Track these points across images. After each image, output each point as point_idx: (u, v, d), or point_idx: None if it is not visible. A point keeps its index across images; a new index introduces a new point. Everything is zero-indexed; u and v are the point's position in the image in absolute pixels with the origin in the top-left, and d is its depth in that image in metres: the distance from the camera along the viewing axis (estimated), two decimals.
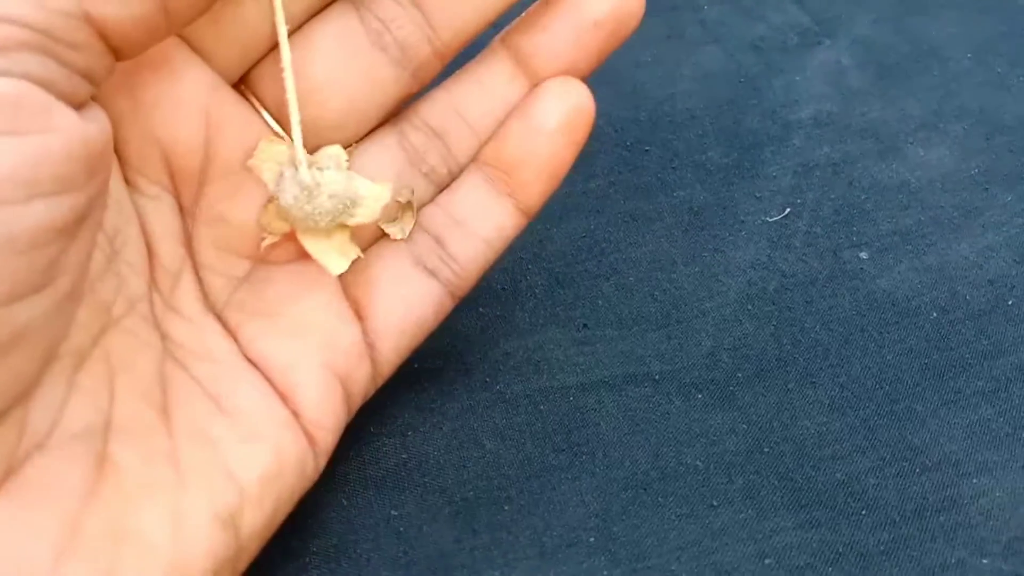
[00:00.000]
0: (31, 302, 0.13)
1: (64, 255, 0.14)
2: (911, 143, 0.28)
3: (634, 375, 0.21)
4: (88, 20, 0.13)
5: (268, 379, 0.17)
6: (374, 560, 0.18)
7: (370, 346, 0.18)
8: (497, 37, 0.19)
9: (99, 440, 0.15)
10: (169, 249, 0.17)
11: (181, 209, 0.17)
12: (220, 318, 0.17)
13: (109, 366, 0.15)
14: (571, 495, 0.19)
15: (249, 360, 0.17)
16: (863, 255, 0.25)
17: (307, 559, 0.18)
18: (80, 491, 0.14)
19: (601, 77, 0.27)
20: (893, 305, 0.23)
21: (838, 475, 0.20)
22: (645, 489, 0.19)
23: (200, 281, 0.17)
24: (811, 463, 0.20)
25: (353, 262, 0.18)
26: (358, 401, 0.18)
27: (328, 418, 0.17)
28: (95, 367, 0.15)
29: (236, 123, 0.17)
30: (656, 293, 0.24)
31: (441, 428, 0.20)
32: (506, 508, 0.19)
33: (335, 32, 0.17)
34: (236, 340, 0.17)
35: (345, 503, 0.19)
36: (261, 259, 0.18)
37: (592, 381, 0.21)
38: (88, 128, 0.14)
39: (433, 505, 0.19)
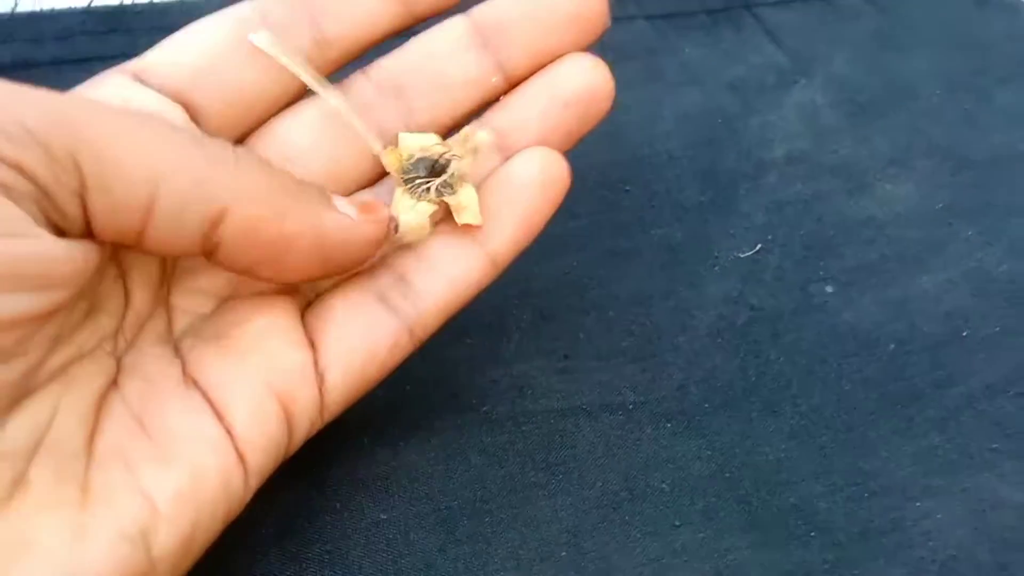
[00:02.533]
0: None
1: (39, 332, 0.15)
2: (879, 179, 0.29)
3: (610, 404, 0.23)
4: (80, 198, 0.15)
5: (206, 398, 0.17)
6: (365, 566, 0.20)
7: (320, 373, 0.18)
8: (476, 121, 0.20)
9: (22, 461, 0.15)
10: (144, 296, 0.18)
11: (163, 260, 0.18)
12: (176, 346, 0.18)
13: (61, 388, 0.16)
14: (547, 511, 0.21)
15: (191, 380, 0.18)
16: (829, 289, 0.27)
17: (304, 563, 0.20)
18: None
19: None
20: (854, 337, 0.25)
21: (791, 499, 0.21)
22: (615, 508, 0.21)
23: (168, 319, 0.18)
24: (767, 488, 0.22)
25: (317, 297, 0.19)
26: (302, 426, 0.18)
27: (260, 437, 0.17)
28: (49, 389, 0.16)
29: None
30: (634, 327, 0.25)
31: (429, 441, 0.22)
32: (487, 520, 0.21)
33: (319, 109, 0.19)
34: (184, 363, 0.18)
35: (338, 507, 0.21)
36: (228, 296, 0.19)
37: (571, 407, 0.23)
38: (72, 249, 0.15)
39: (420, 512, 0.21)
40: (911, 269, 0.27)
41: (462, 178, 0.19)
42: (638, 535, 0.21)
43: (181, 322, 0.19)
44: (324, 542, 0.20)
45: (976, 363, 0.24)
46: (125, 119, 0.15)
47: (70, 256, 0.15)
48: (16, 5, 0.31)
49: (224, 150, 0.16)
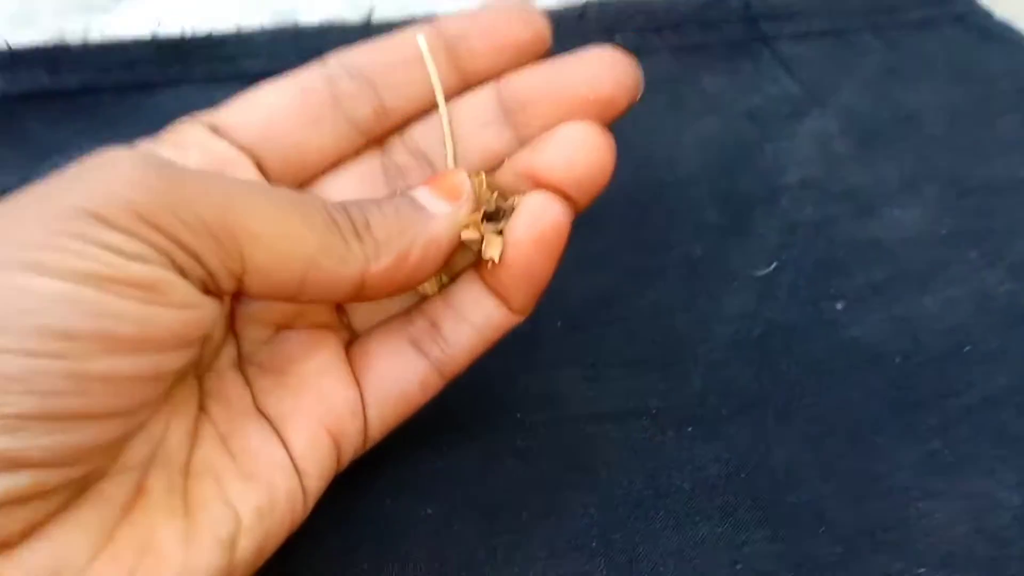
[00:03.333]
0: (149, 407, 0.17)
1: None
2: (887, 204, 0.31)
3: (635, 409, 0.25)
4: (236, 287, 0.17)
5: (272, 426, 0.19)
6: (414, 553, 0.22)
7: (363, 411, 0.20)
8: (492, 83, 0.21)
9: (142, 472, 0.17)
10: (218, 327, 0.20)
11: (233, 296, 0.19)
12: (243, 372, 0.20)
13: (170, 409, 0.18)
14: (577, 507, 0.23)
15: (258, 408, 0.19)
16: (839, 306, 0.28)
17: (359, 552, 0.22)
18: (120, 509, 0.17)
19: None
20: (862, 350, 0.27)
21: (803, 498, 0.23)
22: (640, 505, 0.23)
23: (235, 343, 0.20)
24: (780, 488, 0.24)
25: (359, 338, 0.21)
26: (348, 455, 0.20)
27: (315, 465, 0.19)
28: (162, 410, 0.18)
29: None
30: (657, 338, 0.27)
31: (469, 445, 0.24)
32: (523, 514, 0.23)
33: (360, 170, 0.21)
34: (252, 391, 0.20)
35: (388, 504, 0.23)
36: (284, 326, 0.21)
37: (599, 413, 0.25)
38: (216, 309, 0.17)
39: (462, 506, 0.23)
40: (916, 288, 0.29)
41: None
42: (661, 528, 0.22)
43: (245, 348, 0.20)
44: (376, 534, 0.22)
45: (977, 376, 0.26)
46: (279, 207, 0.17)
47: (216, 314, 0.17)
48: (87, 34, 0.33)
49: (349, 219, 0.18)
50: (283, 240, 0.17)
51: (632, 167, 0.31)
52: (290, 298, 0.18)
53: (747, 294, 0.28)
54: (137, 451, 0.17)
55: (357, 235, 0.18)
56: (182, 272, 0.16)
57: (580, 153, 0.19)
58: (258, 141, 0.20)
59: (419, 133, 0.22)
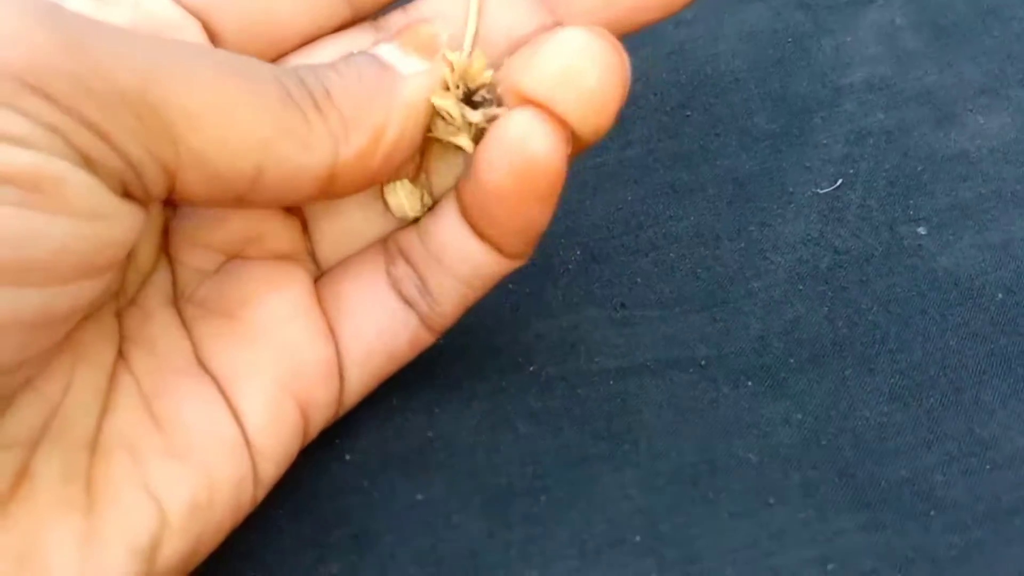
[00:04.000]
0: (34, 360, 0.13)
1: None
2: (970, 110, 0.26)
3: (678, 359, 0.20)
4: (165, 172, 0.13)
5: (219, 387, 0.15)
6: (399, 554, 0.17)
7: (338, 372, 0.16)
8: None
9: (28, 450, 0.14)
10: (147, 245, 0.16)
11: (164, 203, 0.16)
12: (180, 312, 0.16)
13: (73, 359, 0.15)
14: (613, 488, 0.18)
15: (200, 362, 0.16)
16: (921, 230, 0.23)
17: (326, 549, 0.17)
18: None
19: (639, 37, 0.25)
20: (955, 285, 0.22)
21: (902, 471, 0.18)
22: (694, 484, 0.18)
23: (169, 273, 0.16)
24: (872, 458, 0.18)
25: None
26: (316, 429, 0.16)
27: (273, 444, 0.15)
28: (61, 361, 0.14)
29: None
30: (699, 271, 0.22)
31: (470, 407, 0.19)
32: (543, 499, 0.17)
33: (340, 48, 0.16)
34: (192, 339, 0.16)
35: (366, 485, 0.18)
36: (234, 254, 0.16)
37: (633, 365, 0.20)
38: (139, 218, 0.14)
39: (462, 490, 0.18)
40: (1011, 209, 0.24)
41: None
42: (725, 515, 0.17)
43: (183, 280, 0.16)
44: (348, 525, 0.17)
45: None
46: (222, 75, 0.14)
47: (138, 227, 0.14)
48: None
49: (307, 89, 0.14)
50: (229, 120, 0.13)
51: (664, 61, 0.25)
52: (238, 201, 0.14)
53: (808, 216, 0.23)
54: (20, 421, 0.14)
55: (318, 109, 0.14)
56: (88, 164, 0.12)
57: (578, 68, 0.15)
58: (212, 1, 0.16)
59: (426, 6, 0.17)
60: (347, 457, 0.18)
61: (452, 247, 0.16)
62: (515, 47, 0.16)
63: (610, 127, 0.15)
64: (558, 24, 0.16)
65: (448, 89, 0.15)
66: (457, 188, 0.16)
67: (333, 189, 0.15)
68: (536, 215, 0.15)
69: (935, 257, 0.22)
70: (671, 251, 0.22)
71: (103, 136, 0.12)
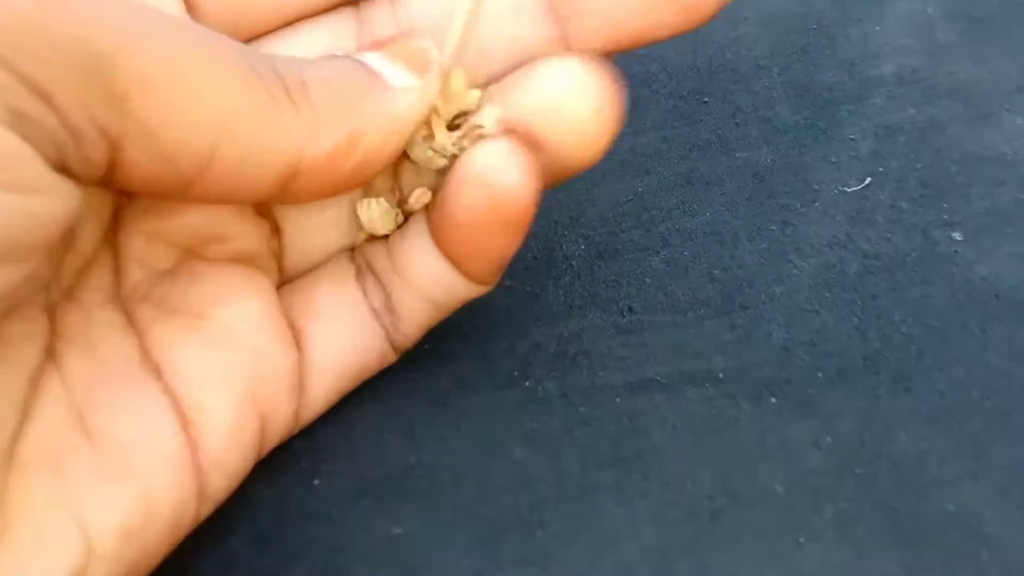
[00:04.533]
0: None
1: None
2: (1007, 109, 0.24)
3: (692, 373, 0.18)
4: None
5: (170, 393, 0.14)
6: None
7: (302, 384, 0.15)
8: None
9: None
10: (91, 230, 0.14)
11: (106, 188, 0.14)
12: (128, 312, 0.14)
13: None
14: (621, 523, 0.15)
15: (152, 364, 0.14)
16: (956, 236, 0.21)
17: None
18: None
19: None
20: (996, 297, 0.20)
21: (948, 505, 0.16)
22: (713, 518, 0.15)
23: (117, 268, 0.15)
24: (913, 489, 0.16)
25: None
26: (271, 445, 0.15)
27: (232, 459, 0.14)
28: None
29: None
30: (715, 272, 0.20)
31: (458, 428, 0.17)
32: (539, 535, 0.15)
33: (328, 32, 0.15)
34: (141, 341, 0.14)
35: (336, 515, 0.16)
36: (193, 252, 0.15)
37: (642, 379, 0.17)
38: (70, 201, 0.12)
39: (447, 523, 0.15)
40: None
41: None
42: (750, 555, 0.15)
43: (134, 277, 0.15)
44: (314, 559, 0.14)
45: None
46: (182, 38, 0.12)
47: (72, 209, 0.12)
48: None
49: (279, 76, 0.13)
50: (185, 89, 0.12)
51: (680, 44, 0.23)
52: (185, 188, 0.13)
53: (835, 217, 0.21)
54: None
55: (290, 98, 0.13)
56: (20, 126, 0.11)
57: (567, 101, 0.14)
58: None
59: (416, 8, 0.15)
60: (315, 483, 0.16)
61: (419, 266, 0.15)
62: (517, 61, 0.15)
63: (600, 158, 0.14)
64: (565, 38, 0.15)
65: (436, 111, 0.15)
66: (427, 209, 0.16)
67: (292, 189, 0.13)
68: (502, 245, 0.15)
69: (972, 266, 0.20)
70: (685, 249, 0.20)
71: (43, 96, 0.11)
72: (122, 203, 0.15)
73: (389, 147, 0.14)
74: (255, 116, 0.12)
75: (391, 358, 0.16)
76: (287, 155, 0.13)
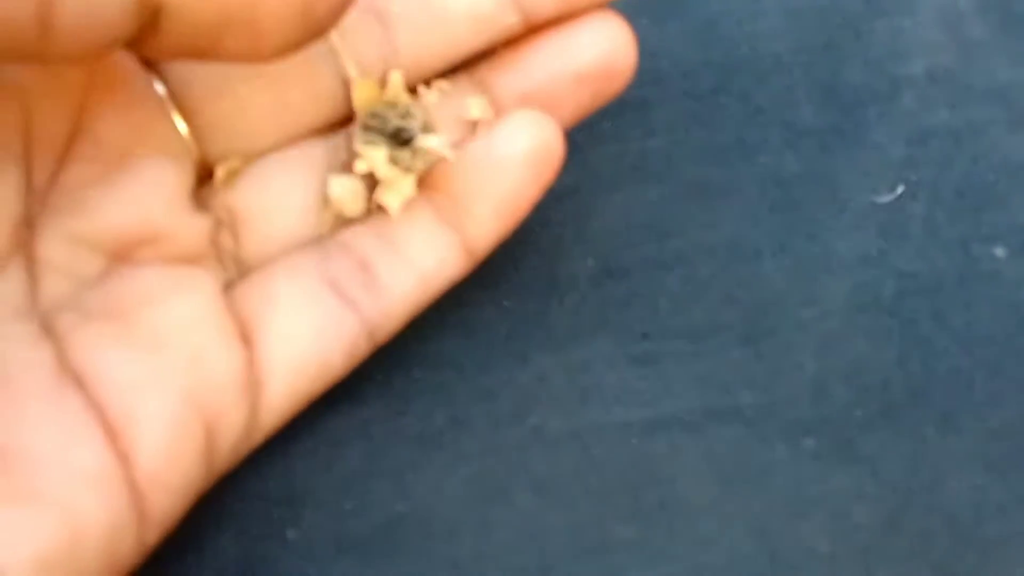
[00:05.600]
0: None
1: None
2: None
3: (718, 409, 0.16)
4: None
5: (95, 403, 0.13)
6: None
7: (254, 382, 0.14)
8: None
9: None
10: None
11: (29, 186, 0.13)
12: (47, 323, 0.13)
13: None
14: None
15: (71, 374, 0.13)
16: (998, 252, 0.19)
17: None
18: None
19: (667, 9, 0.21)
20: None
21: (1016, 569, 0.14)
22: None
23: (33, 278, 0.13)
24: (973, 549, 0.14)
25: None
26: (223, 457, 0.14)
27: (173, 473, 0.13)
28: None
29: (124, 93, 0.14)
30: (737, 292, 0.18)
31: (454, 472, 0.14)
32: None
33: None
34: (62, 348, 0.13)
35: (313, 573, 0.13)
36: (123, 256, 0.14)
37: (661, 417, 0.15)
38: None
39: None
40: None
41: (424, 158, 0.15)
42: None
43: (56, 287, 0.14)
44: None
45: None
46: None
47: None
48: None
49: None
50: None
51: (696, 40, 0.21)
52: (41, 34, 0.11)
53: (866, 230, 0.19)
54: None
55: None
56: None
57: (602, 44, 0.16)
58: None
59: None
60: (289, 535, 0.14)
61: (417, 238, 0.15)
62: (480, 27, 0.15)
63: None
64: (526, 19, 0.16)
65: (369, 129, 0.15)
66: (441, 180, 0.15)
67: (157, 3, 0.11)
68: (528, 199, 0.15)
69: (1019, 287, 0.19)
70: (702, 266, 0.18)
71: None
72: (34, 209, 0.13)
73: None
74: None
75: (363, 350, 0.15)
76: None
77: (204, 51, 0.12)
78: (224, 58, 0.12)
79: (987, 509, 0.15)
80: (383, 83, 0.15)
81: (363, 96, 0.15)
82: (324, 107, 0.15)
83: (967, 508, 0.15)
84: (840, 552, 0.14)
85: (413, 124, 0.15)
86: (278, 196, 0.15)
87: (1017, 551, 0.14)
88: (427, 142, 0.15)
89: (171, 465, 0.13)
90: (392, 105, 0.15)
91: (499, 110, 0.16)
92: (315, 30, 0.13)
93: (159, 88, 0.14)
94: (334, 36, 0.15)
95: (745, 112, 0.20)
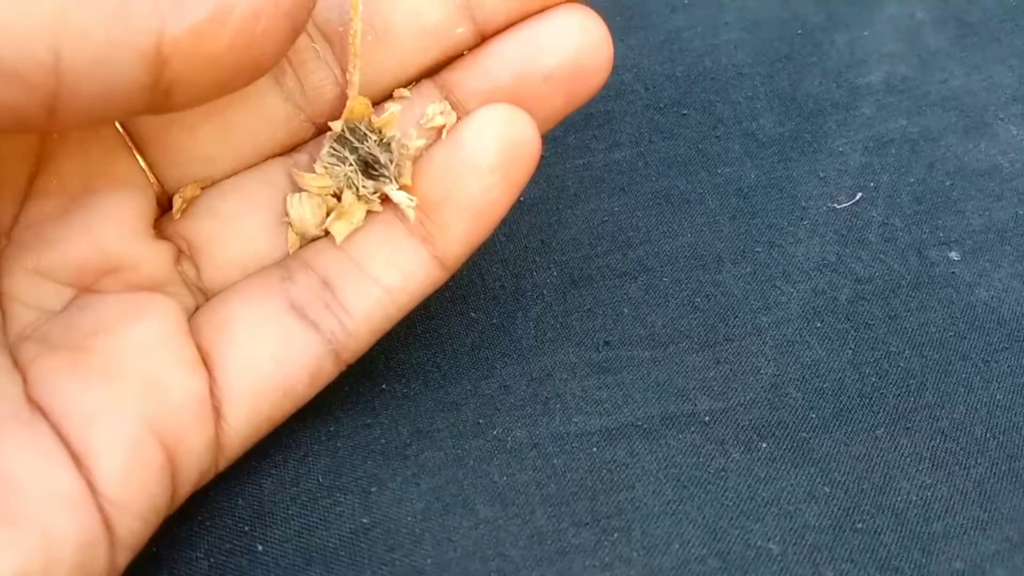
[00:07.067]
0: None
1: None
2: (1002, 119, 0.22)
3: (675, 416, 0.16)
4: None
5: (58, 433, 0.13)
6: None
7: (217, 407, 0.14)
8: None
9: None
10: None
11: None
12: (13, 355, 0.13)
13: None
14: None
15: (35, 405, 0.13)
16: (953, 255, 0.20)
17: None
18: None
19: (630, 22, 0.21)
20: (999, 324, 0.18)
21: (956, 563, 0.14)
22: None
23: (1, 312, 0.14)
24: (919, 544, 0.15)
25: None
26: (189, 479, 0.14)
27: (135, 497, 0.13)
28: None
29: (80, 135, 0.14)
30: (697, 300, 0.18)
31: (417, 484, 0.15)
32: None
33: None
34: (25, 378, 0.13)
35: None
36: (86, 287, 0.14)
37: (620, 425, 0.16)
38: None
39: None
40: None
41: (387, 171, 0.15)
42: None
43: (22, 319, 0.14)
44: None
45: None
46: None
47: None
48: None
49: None
50: None
51: (658, 53, 0.22)
52: (50, 112, 0.11)
53: (824, 236, 0.20)
54: None
55: None
56: None
57: (571, 40, 0.15)
58: None
59: None
60: (259, 548, 0.14)
61: (382, 253, 0.15)
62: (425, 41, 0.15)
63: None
64: (478, 30, 0.15)
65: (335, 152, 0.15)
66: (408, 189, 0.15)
67: (173, 83, 0.12)
68: (501, 205, 0.15)
69: (972, 289, 0.19)
70: (664, 275, 0.19)
71: None
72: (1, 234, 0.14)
73: (271, 15, 0.12)
74: (92, 4, 0.11)
75: (329, 371, 0.15)
76: (144, 40, 0.11)
77: (221, 92, 0.13)
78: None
79: (934, 507, 0.15)
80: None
81: (356, 114, 0.15)
82: (278, 129, 0.15)
83: (915, 507, 0.15)
84: (790, 552, 0.14)
85: (388, 165, 0.15)
86: (233, 220, 0.15)
87: (959, 546, 0.15)
88: (394, 195, 0.14)
89: (133, 490, 0.13)
90: (375, 130, 0.15)
91: (464, 114, 0.15)
92: (258, 70, 0.13)
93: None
94: (351, 49, 0.14)
95: (707, 123, 0.21)
